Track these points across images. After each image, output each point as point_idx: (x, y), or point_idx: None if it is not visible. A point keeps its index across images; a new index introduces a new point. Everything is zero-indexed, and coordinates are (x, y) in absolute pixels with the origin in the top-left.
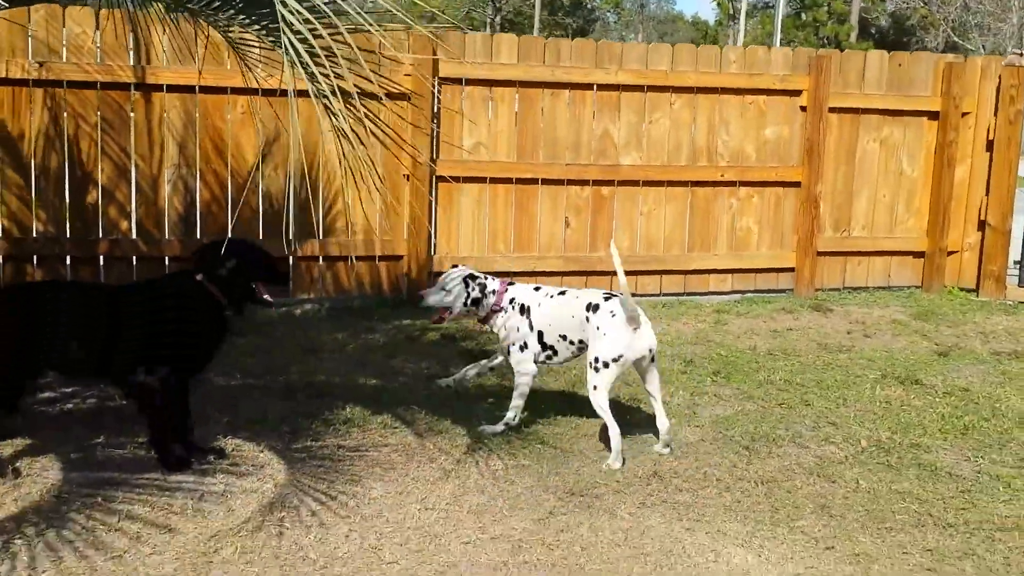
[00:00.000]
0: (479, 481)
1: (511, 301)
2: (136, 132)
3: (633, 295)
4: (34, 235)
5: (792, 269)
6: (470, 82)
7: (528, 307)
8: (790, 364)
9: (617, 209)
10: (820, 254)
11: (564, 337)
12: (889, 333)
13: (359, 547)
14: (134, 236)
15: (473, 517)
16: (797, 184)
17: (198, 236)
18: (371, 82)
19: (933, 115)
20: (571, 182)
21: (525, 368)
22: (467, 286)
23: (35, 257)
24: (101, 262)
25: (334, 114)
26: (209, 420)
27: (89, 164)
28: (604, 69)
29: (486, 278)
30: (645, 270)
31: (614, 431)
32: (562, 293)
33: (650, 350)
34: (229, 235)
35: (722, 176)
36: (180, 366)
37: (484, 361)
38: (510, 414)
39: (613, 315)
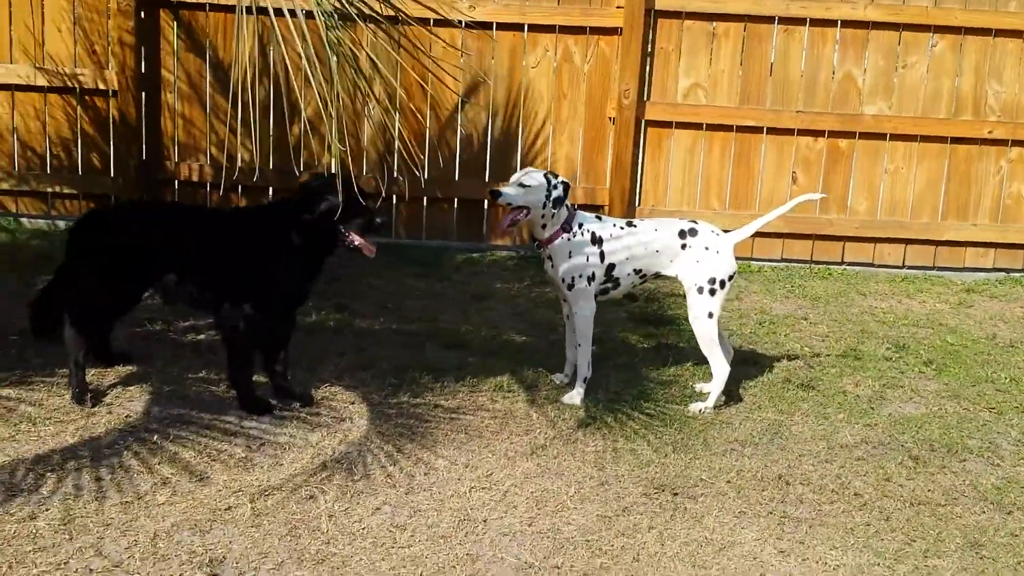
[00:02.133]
0: (565, 463)
1: (580, 226)
2: (340, 65)
3: (870, 265)
4: (239, 164)
5: None
6: (690, 15)
7: (600, 237)
8: None
9: (856, 166)
10: None
11: (638, 271)
12: None
13: (382, 524)
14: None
15: (531, 504)
16: None
17: (394, 174)
18: None
19: None
20: (802, 132)
21: (588, 304)
22: (549, 183)
23: (239, 187)
24: None
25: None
26: (323, 362)
27: (294, 96)
28: (851, 3)
29: None
30: (886, 237)
31: (723, 369)
32: (631, 224)
33: None
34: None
35: (990, 133)
36: (260, 305)
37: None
38: (582, 368)
39: (717, 234)
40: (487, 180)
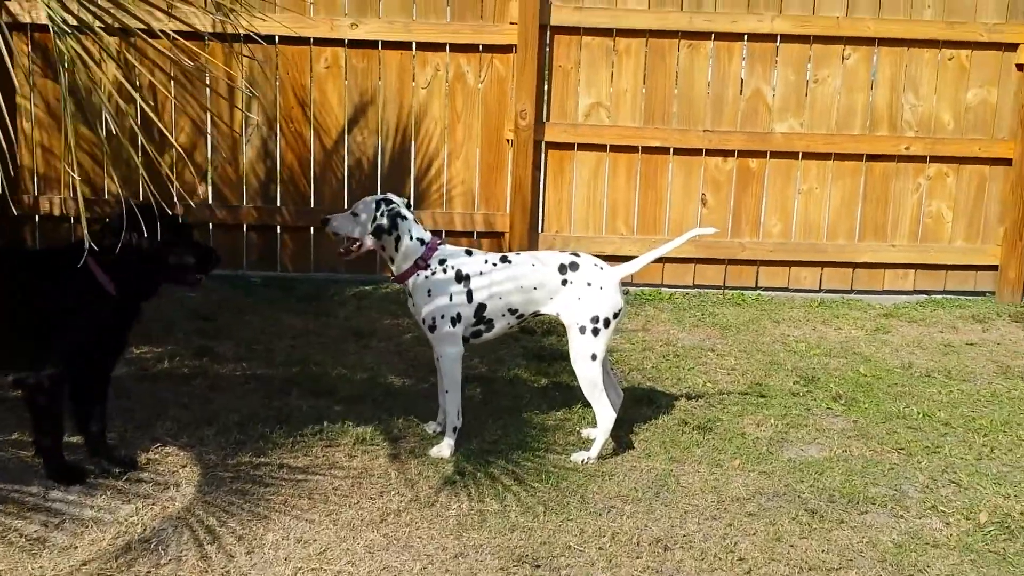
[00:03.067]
0: (417, 532)
1: (441, 263)
2: (213, 88)
3: (785, 289)
4: (105, 196)
5: (995, 267)
6: (589, 31)
7: (467, 274)
8: (945, 392)
9: (768, 186)
10: None
11: (513, 310)
12: None
13: None
14: (210, 201)
15: None
16: (1007, 162)
17: (278, 204)
18: None
19: None
20: (710, 152)
21: (453, 348)
22: (377, 209)
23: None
24: None
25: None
26: (161, 417)
27: (166, 120)
28: (757, 15)
29: (409, 213)
30: (801, 260)
31: (607, 415)
32: (505, 259)
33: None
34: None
35: (907, 149)
36: (65, 361)
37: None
38: (451, 417)
39: (601, 268)
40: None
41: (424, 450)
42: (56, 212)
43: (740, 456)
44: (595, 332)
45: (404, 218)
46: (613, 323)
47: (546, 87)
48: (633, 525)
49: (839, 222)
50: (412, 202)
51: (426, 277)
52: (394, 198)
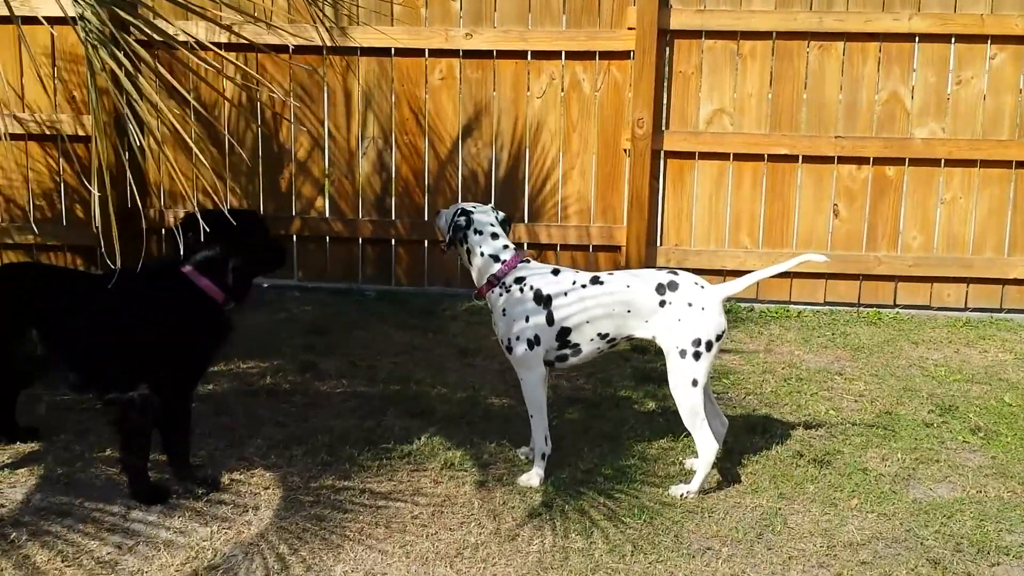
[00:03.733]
0: (492, 569)
1: (519, 281)
2: (330, 101)
3: (927, 307)
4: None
5: None
6: (711, 35)
7: (547, 296)
8: None
9: (907, 196)
10: None
11: (604, 335)
12: None
13: None
14: (327, 214)
15: None
16: None
17: (393, 217)
18: None
19: None
20: (843, 160)
21: (534, 371)
22: (451, 219)
23: None
24: (294, 240)
25: None
26: (255, 435)
27: (283, 135)
28: (893, 14)
29: (489, 226)
30: (944, 276)
31: (709, 446)
32: (597, 280)
33: None
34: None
35: None
36: (163, 380)
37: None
38: (538, 443)
39: (702, 287)
40: None
41: (513, 478)
42: None
43: (858, 495)
44: (696, 356)
45: (479, 232)
46: (716, 346)
47: (665, 94)
48: (729, 570)
49: (986, 234)
50: (526, 215)
51: (500, 296)
52: (475, 209)
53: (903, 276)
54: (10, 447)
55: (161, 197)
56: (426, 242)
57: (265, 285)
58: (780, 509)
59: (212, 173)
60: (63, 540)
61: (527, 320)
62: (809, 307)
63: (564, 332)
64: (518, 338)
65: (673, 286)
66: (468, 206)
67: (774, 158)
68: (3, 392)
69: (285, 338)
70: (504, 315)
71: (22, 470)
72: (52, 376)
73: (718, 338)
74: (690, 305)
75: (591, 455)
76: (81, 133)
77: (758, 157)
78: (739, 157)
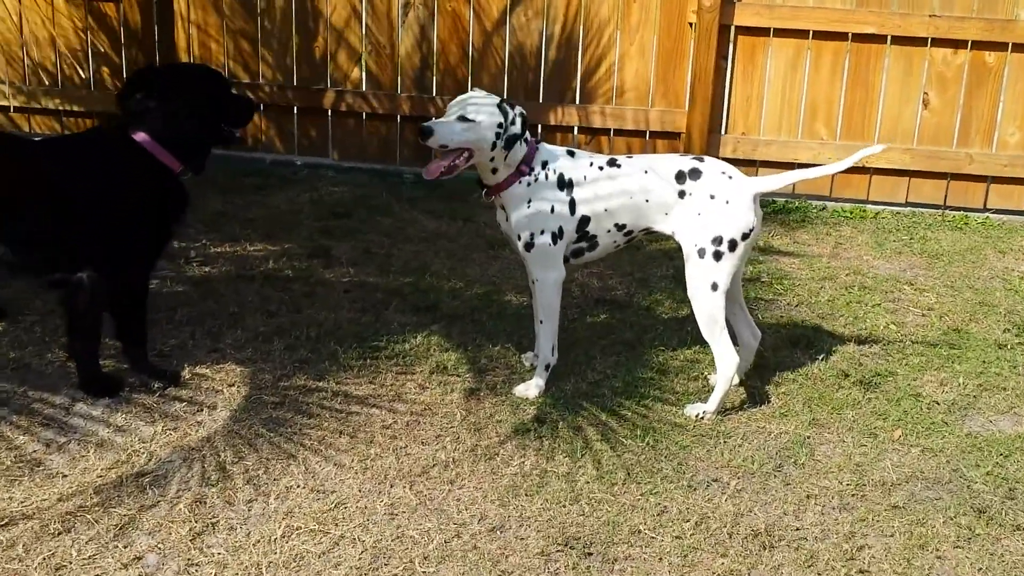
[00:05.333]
0: (458, 492)
1: (544, 166)
2: None
3: (1019, 213)
4: (260, 80)
5: None
6: None
7: (571, 180)
8: None
9: (1008, 86)
10: None
11: (621, 226)
12: None
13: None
14: (364, 88)
15: (364, 561)
16: None
17: (433, 93)
18: None
19: None
20: (937, 42)
21: (553, 270)
22: (506, 116)
23: (260, 106)
24: (329, 115)
25: None
26: (237, 324)
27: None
28: None
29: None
30: None
31: (729, 359)
32: (614, 163)
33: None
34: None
35: None
36: (113, 259)
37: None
38: (544, 351)
39: (730, 178)
40: (540, 101)
41: (509, 387)
42: None
43: (904, 425)
44: (716, 256)
45: (526, 117)
46: (741, 246)
47: None
48: (733, 508)
49: None
50: (578, 96)
51: (528, 184)
52: (492, 95)
53: (996, 177)
54: None
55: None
56: None
57: (298, 163)
58: (809, 438)
59: (245, 39)
60: None
61: (552, 210)
62: (888, 207)
63: (583, 222)
64: (542, 231)
65: (695, 174)
66: (496, 99)
67: (859, 38)
68: None
69: (303, 220)
70: (528, 205)
71: None
72: None
73: (744, 237)
74: (712, 197)
75: (603, 364)
76: None
77: (841, 36)
78: (819, 35)
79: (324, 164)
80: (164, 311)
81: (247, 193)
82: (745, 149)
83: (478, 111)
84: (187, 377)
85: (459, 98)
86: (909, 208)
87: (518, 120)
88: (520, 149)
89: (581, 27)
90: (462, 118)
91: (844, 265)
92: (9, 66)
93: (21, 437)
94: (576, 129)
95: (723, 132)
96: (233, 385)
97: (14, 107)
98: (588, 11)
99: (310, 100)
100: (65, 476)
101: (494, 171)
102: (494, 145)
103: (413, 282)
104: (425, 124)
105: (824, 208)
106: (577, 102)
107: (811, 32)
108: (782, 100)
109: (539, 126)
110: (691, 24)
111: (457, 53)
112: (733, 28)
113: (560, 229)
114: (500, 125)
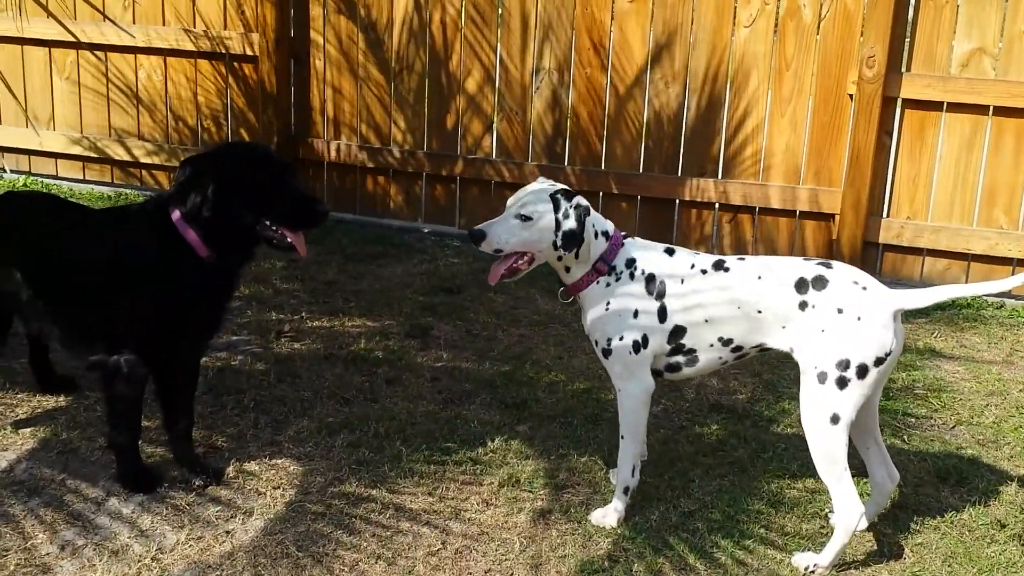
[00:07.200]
0: None
1: (629, 265)
2: (505, 27)
3: None
4: (391, 146)
5: None
6: None
7: (663, 283)
8: None
9: None
10: None
11: (726, 341)
12: None
13: None
14: (494, 156)
15: None
16: None
17: (564, 162)
18: None
19: None
20: None
21: (637, 382)
22: (557, 207)
23: (390, 172)
24: (457, 183)
25: None
26: (305, 414)
27: (453, 65)
28: None
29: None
30: None
31: (851, 509)
32: (721, 265)
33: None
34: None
35: None
36: (153, 344)
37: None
38: (623, 473)
39: (864, 289)
40: (679, 174)
41: (587, 511)
42: (342, 159)
43: None
44: (841, 383)
45: (586, 209)
46: (873, 372)
47: (908, 27)
48: None
49: None
50: (720, 169)
51: (607, 284)
52: (556, 185)
53: None
54: (35, 398)
55: (324, 128)
56: (601, 194)
57: (425, 230)
58: None
59: (379, 103)
60: (12, 526)
61: (635, 315)
62: None
63: (677, 332)
64: (621, 337)
65: (820, 283)
66: (556, 185)
67: None
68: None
69: (411, 295)
70: (607, 308)
71: (27, 429)
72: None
73: (879, 363)
74: (840, 312)
75: (703, 490)
76: (249, 52)
77: None
78: (1000, 112)
79: (450, 233)
80: (234, 393)
81: (364, 261)
82: (909, 235)
83: (535, 206)
84: (231, 475)
85: (520, 191)
86: None
87: (571, 213)
88: (596, 244)
89: (726, 95)
90: (521, 216)
91: (1019, 378)
92: (153, 122)
93: (41, 535)
94: (717, 206)
95: (884, 215)
96: (279, 487)
97: (155, 164)
98: (736, 78)
99: (439, 166)
100: None
101: (567, 269)
102: (555, 244)
103: (509, 372)
104: (476, 227)
105: (1002, 306)
106: (719, 176)
107: (991, 108)
108: (955, 182)
109: (676, 201)
110: (850, 96)
111: (589, 120)
112: (899, 101)
113: (644, 337)
114: (555, 222)
